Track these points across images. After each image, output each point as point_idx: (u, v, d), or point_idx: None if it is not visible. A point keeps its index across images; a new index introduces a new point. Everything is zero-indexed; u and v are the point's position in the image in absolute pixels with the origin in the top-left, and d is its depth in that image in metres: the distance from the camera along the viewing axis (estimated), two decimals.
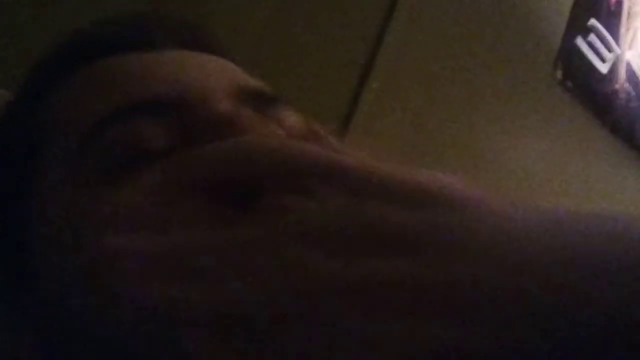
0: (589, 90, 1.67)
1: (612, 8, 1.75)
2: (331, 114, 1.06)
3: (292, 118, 0.45)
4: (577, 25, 1.64)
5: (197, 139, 0.39)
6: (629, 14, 1.78)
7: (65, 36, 0.50)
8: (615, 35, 1.74)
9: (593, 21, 1.68)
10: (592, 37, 1.69)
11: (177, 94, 0.41)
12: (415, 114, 1.23)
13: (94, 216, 0.38)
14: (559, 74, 1.59)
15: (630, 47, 1.79)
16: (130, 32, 0.47)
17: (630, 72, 1.80)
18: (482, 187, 0.25)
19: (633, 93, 1.79)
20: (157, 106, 0.41)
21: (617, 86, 1.76)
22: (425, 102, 1.25)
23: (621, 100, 1.76)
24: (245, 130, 0.38)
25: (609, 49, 1.73)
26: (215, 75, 0.44)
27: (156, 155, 0.39)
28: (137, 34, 0.47)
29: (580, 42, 1.66)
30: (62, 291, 0.40)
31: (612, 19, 1.74)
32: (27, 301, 0.43)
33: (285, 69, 1.00)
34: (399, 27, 1.19)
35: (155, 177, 0.36)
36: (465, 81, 1.35)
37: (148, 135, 0.40)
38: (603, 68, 1.72)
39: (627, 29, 1.78)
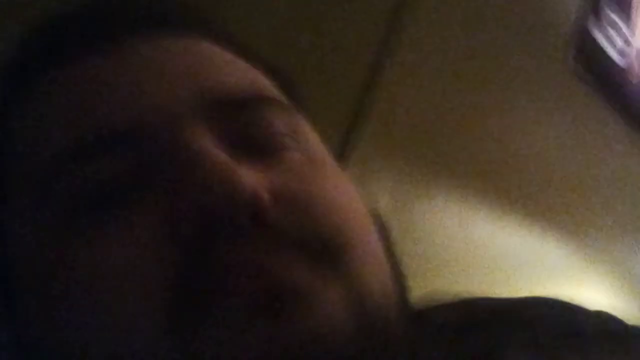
0: (602, 78, 1.65)
1: None
2: (344, 100, 1.05)
3: (269, 119, 0.41)
4: (590, 13, 1.63)
5: (159, 174, 0.37)
6: None
7: (20, 41, 0.47)
8: (629, 23, 1.73)
9: (606, 9, 1.67)
10: (605, 25, 1.67)
11: (135, 122, 0.38)
12: (429, 101, 1.23)
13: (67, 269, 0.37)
14: (572, 62, 1.57)
15: None
16: (87, 30, 0.44)
17: None
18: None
19: None
20: (113, 139, 0.38)
21: (630, 74, 1.74)
22: (437, 91, 1.25)
23: (634, 88, 1.74)
24: (208, 169, 0.35)
25: (622, 37, 1.71)
26: (180, 83, 0.40)
27: (117, 194, 0.37)
28: (93, 32, 0.43)
29: (593, 30, 1.64)
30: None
31: (625, 7, 1.73)
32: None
33: (297, 54, 0.99)
34: (411, 17, 1.18)
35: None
36: (477, 70, 1.33)
37: (106, 175, 0.37)
38: (616, 56, 1.70)
39: None
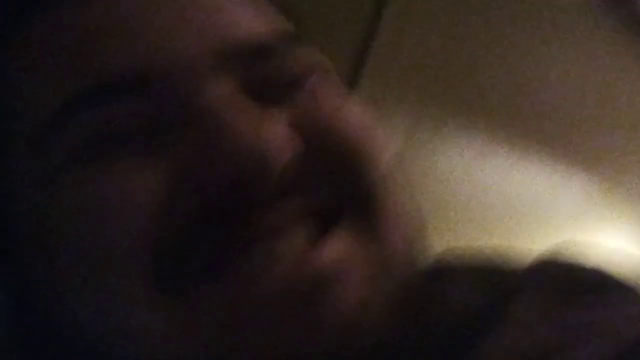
0: (624, 4, 1.59)
1: None
2: (353, 31, 1.02)
3: (294, 58, 0.39)
4: None
5: (176, 122, 0.35)
6: None
7: None
8: None
9: None
10: None
11: (147, 67, 0.35)
12: (443, 30, 1.19)
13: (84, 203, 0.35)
14: None
15: None
16: None
17: None
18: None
19: None
20: (125, 82, 0.35)
21: None
22: (453, 21, 1.20)
23: None
24: (228, 124, 0.33)
25: None
26: (197, 26, 0.37)
27: (129, 140, 0.35)
28: None
29: None
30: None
31: None
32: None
33: None
34: None
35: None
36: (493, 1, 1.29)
37: (117, 118, 0.35)
38: None
39: None
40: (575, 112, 1.48)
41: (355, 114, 0.39)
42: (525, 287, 0.39)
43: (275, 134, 0.34)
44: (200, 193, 0.33)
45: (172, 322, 0.33)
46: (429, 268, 0.42)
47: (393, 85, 1.08)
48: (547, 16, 1.40)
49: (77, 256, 0.35)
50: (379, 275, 0.35)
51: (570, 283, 0.39)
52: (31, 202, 0.37)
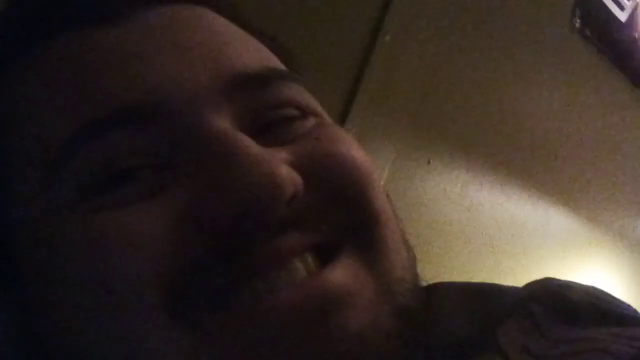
0: (608, 38, 1.63)
1: None
2: (344, 69, 1.03)
3: (288, 95, 0.40)
4: None
5: (182, 155, 0.36)
6: None
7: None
8: None
9: None
10: None
11: (154, 99, 0.36)
12: (430, 66, 1.20)
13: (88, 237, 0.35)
14: (578, 22, 1.55)
15: None
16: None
17: None
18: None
19: None
20: (131, 116, 0.36)
21: (636, 34, 1.71)
22: (440, 54, 1.22)
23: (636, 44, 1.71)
24: (237, 155, 0.34)
25: None
26: (200, 58, 0.38)
27: (137, 171, 0.35)
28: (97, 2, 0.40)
29: None
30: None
31: None
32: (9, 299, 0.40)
33: (296, 22, 0.97)
34: None
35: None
36: (481, 31, 1.31)
37: (125, 152, 0.35)
38: (622, 16, 1.68)
39: None
40: (559, 146, 1.50)
41: (352, 150, 0.40)
42: (510, 317, 0.40)
43: (282, 167, 0.34)
44: (212, 225, 0.33)
45: (185, 350, 0.33)
46: (423, 296, 0.43)
47: (381, 120, 1.09)
48: (532, 50, 1.42)
49: (86, 288, 0.35)
50: (384, 299, 0.36)
51: (557, 313, 0.40)
52: (40, 233, 0.37)
